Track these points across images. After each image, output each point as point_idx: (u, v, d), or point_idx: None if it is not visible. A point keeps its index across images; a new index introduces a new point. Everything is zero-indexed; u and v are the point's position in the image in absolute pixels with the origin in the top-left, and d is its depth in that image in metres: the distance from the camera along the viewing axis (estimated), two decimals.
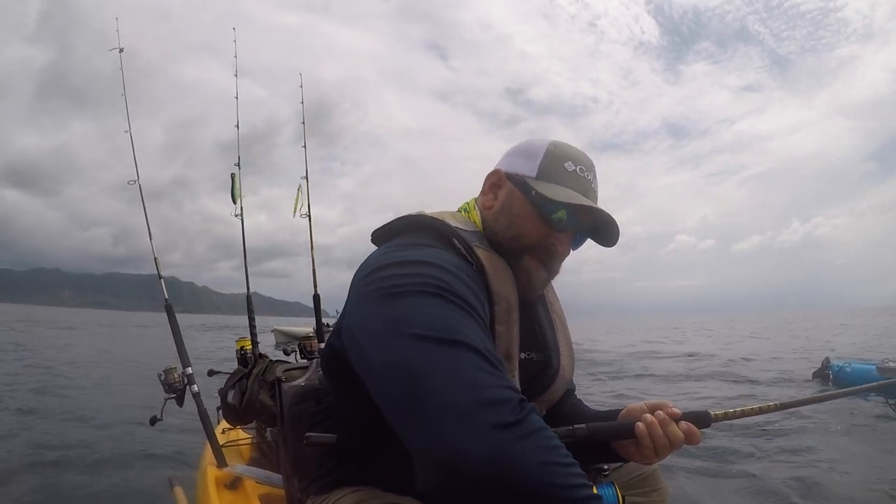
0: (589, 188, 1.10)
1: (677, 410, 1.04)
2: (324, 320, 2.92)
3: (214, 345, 16.93)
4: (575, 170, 1.09)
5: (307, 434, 1.10)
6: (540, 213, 1.07)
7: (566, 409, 1.27)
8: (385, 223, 1.14)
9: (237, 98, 3.39)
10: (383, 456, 1.06)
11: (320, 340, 2.73)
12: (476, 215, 1.16)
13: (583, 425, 1.03)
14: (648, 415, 1.03)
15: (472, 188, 1.24)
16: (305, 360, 2.38)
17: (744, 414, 1.09)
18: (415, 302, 0.85)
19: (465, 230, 1.08)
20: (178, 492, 2.41)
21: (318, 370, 1.72)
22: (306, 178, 3.34)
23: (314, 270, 3.36)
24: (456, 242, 1.04)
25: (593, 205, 1.06)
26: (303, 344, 2.69)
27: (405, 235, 1.08)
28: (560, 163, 1.09)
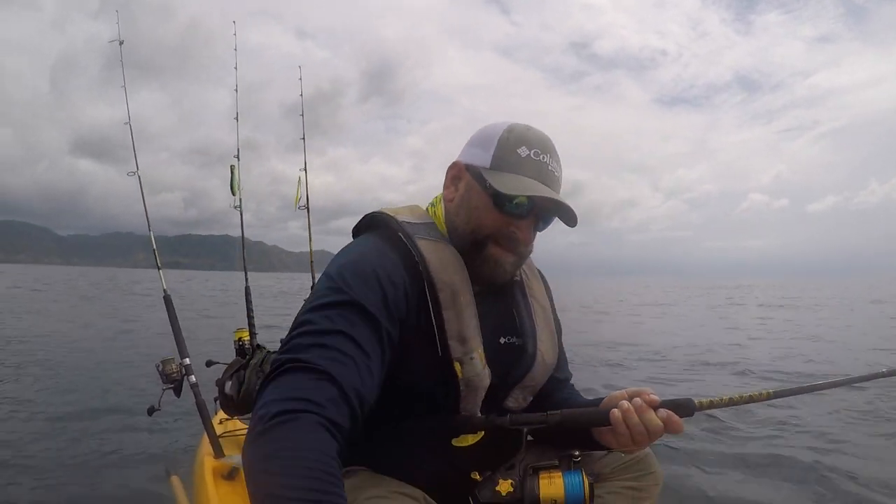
0: (545, 171, 1.11)
1: (656, 397, 1.03)
2: None
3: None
4: (529, 154, 1.10)
5: None
6: (496, 204, 1.10)
7: (557, 399, 1.28)
8: (361, 218, 1.25)
9: (237, 119, 3.39)
10: (381, 442, 1.09)
11: None
12: (440, 208, 1.21)
13: (557, 412, 1.09)
14: (625, 402, 1.03)
15: None
16: None
17: (731, 402, 1.07)
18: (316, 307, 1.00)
19: (415, 223, 1.16)
20: (175, 481, 2.42)
21: None
22: (304, 169, 3.35)
23: (311, 262, 3.37)
24: (401, 236, 1.12)
25: (539, 194, 1.08)
26: None
27: (365, 233, 1.20)
28: (513, 149, 1.11)
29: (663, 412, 1.02)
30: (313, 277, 3.33)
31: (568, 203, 1.09)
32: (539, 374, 1.21)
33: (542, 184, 1.09)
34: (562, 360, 1.34)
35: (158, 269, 2.91)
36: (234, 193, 3.16)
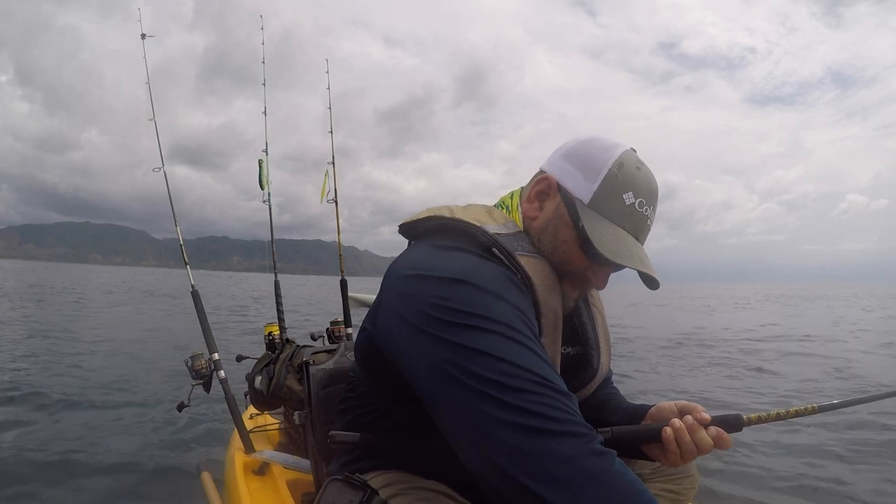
0: (644, 225, 1.00)
1: (707, 415, 0.99)
2: None
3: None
4: (633, 204, 0.98)
5: (331, 433, 1.07)
6: (582, 246, 0.98)
7: (600, 398, 1.24)
8: (415, 217, 1.06)
9: (265, 113, 3.39)
10: (415, 443, 1.03)
11: (347, 325, 2.72)
12: (518, 216, 1.06)
13: (608, 429, 1.00)
14: (677, 420, 0.99)
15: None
16: (334, 345, 2.35)
17: (779, 417, 1.04)
18: (480, 341, 0.78)
19: (506, 234, 0.99)
20: (206, 477, 2.42)
21: (345, 353, 1.70)
22: (332, 163, 3.33)
23: (340, 256, 3.35)
24: (496, 251, 0.95)
25: (637, 268, 0.96)
26: (330, 329, 2.67)
27: (439, 237, 0.99)
28: (619, 193, 0.97)
29: (713, 430, 0.98)
30: (342, 272, 3.31)
31: (658, 278, 0.98)
32: (595, 384, 1.18)
33: (638, 240, 0.99)
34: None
35: (186, 265, 2.91)
36: (262, 188, 3.16)
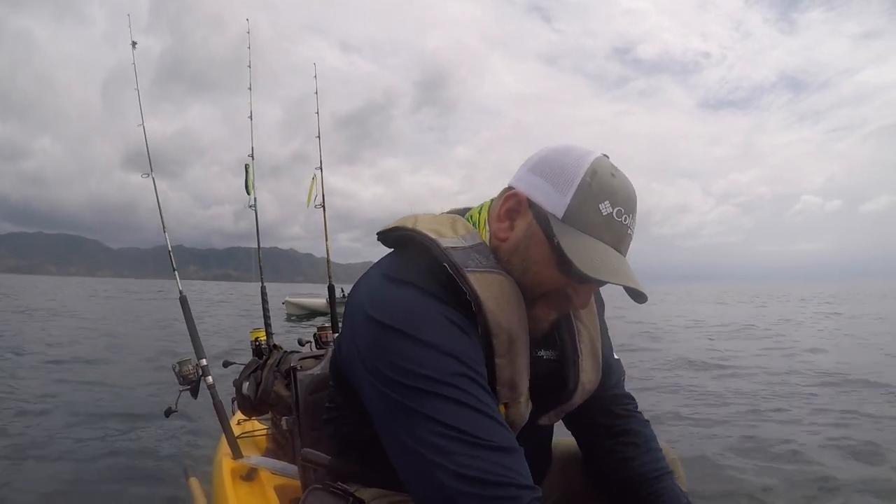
0: (625, 234, 0.93)
1: None
2: None
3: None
4: (612, 213, 0.91)
5: (303, 450, 1.09)
6: (559, 264, 0.91)
7: (610, 425, 1.19)
8: (388, 226, 1.03)
9: (251, 118, 3.39)
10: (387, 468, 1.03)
11: (335, 330, 2.73)
12: (485, 234, 0.99)
13: None
14: None
15: None
16: (321, 350, 2.36)
17: None
18: (418, 402, 0.81)
19: (462, 247, 0.94)
20: (194, 483, 2.42)
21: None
22: (320, 168, 3.35)
23: (328, 261, 3.36)
24: (447, 268, 0.90)
25: (621, 283, 0.90)
26: (317, 335, 2.68)
27: (399, 253, 1.01)
28: (595, 203, 0.90)
29: None
30: (330, 277, 3.32)
31: (644, 291, 0.92)
32: (577, 401, 1.11)
33: (619, 251, 0.93)
34: (611, 374, 1.21)
35: (174, 270, 2.91)
36: (248, 193, 3.17)
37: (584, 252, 0.88)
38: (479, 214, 1.03)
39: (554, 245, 0.90)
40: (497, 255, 0.96)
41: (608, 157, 0.96)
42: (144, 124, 3.09)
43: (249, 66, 3.62)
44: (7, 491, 3.03)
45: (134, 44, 3.15)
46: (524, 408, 0.99)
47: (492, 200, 1.04)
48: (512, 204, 0.96)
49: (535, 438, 1.10)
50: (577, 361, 1.09)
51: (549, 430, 1.19)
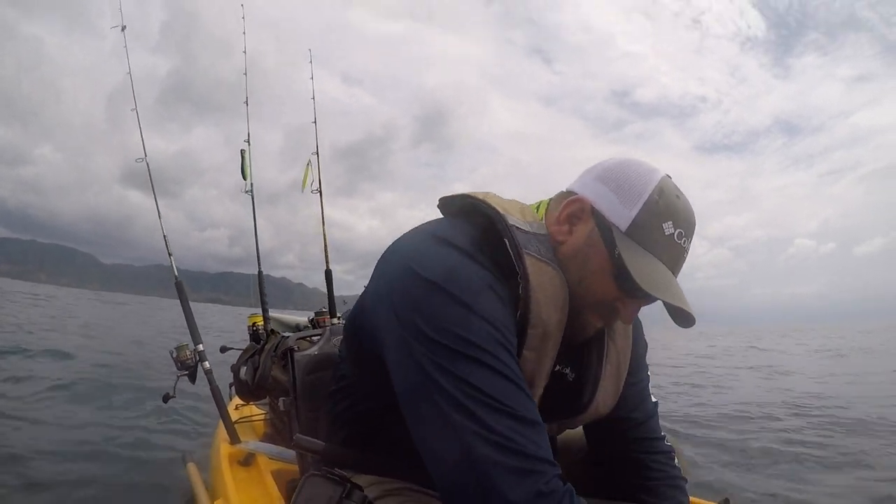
0: (681, 258, 0.93)
1: None
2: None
3: None
4: (673, 234, 0.90)
5: (295, 436, 1.07)
6: (616, 276, 0.90)
7: (653, 474, 1.15)
8: (454, 195, 1.02)
9: (247, 103, 3.35)
10: (402, 438, 1.01)
11: (332, 315, 2.71)
12: (545, 229, 0.97)
13: None
14: None
15: None
16: (319, 330, 2.34)
17: None
18: (466, 369, 0.78)
19: (526, 231, 0.92)
20: (192, 468, 2.41)
21: (331, 339, 1.69)
22: (317, 153, 3.33)
23: (325, 246, 3.34)
24: (507, 244, 0.89)
25: (677, 304, 0.88)
26: (315, 319, 2.66)
27: (460, 219, 0.97)
28: (659, 222, 0.89)
29: None
30: (327, 262, 3.29)
31: (694, 315, 0.91)
32: (585, 419, 1.09)
33: (674, 273, 0.92)
34: (638, 404, 1.18)
35: (170, 255, 2.87)
36: (245, 178, 3.15)
37: (643, 268, 0.88)
38: (537, 212, 1.00)
39: (614, 257, 0.89)
40: (556, 259, 0.93)
41: (671, 178, 0.95)
42: (144, 141, 3.02)
43: (244, 52, 3.59)
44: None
45: (123, 27, 3.10)
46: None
47: (549, 200, 1.01)
48: (574, 209, 0.94)
49: None
50: (597, 380, 1.06)
51: None
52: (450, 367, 0.77)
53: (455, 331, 0.79)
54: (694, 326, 0.92)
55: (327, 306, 2.86)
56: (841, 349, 19.16)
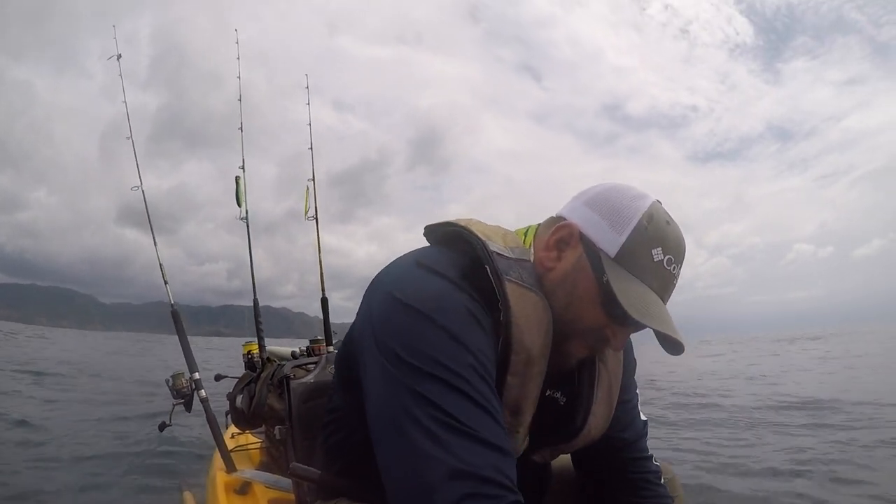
0: (669, 284, 0.92)
1: None
2: None
3: None
4: (662, 261, 0.90)
5: (291, 465, 1.08)
6: (604, 303, 0.90)
7: (618, 479, 1.17)
8: (438, 222, 1.03)
9: (241, 129, 3.38)
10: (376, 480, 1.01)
11: (328, 343, 2.71)
12: (531, 255, 0.97)
13: None
14: None
15: None
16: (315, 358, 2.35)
17: None
18: (434, 391, 0.78)
19: (508, 257, 0.92)
20: (188, 496, 2.40)
21: (326, 367, 1.69)
22: (313, 179, 3.34)
23: (321, 273, 3.35)
24: (488, 269, 0.89)
25: (667, 332, 0.88)
26: (311, 347, 2.66)
27: (443, 248, 0.98)
28: (648, 248, 0.89)
29: None
30: (323, 290, 3.30)
31: (684, 343, 0.90)
32: (578, 444, 1.08)
33: (663, 299, 0.92)
34: (628, 424, 1.18)
35: (165, 283, 2.88)
36: (239, 205, 3.16)
37: (631, 294, 0.87)
38: (525, 237, 1.00)
39: (602, 283, 0.88)
40: (541, 284, 0.93)
41: (661, 203, 0.95)
42: (141, 175, 3.06)
43: (239, 77, 3.62)
44: None
45: (119, 56, 3.14)
46: (521, 439, 0.97)
47: (538, 226, 1.02)
48: (563, 235, 0.94)
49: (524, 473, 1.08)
50: (589, 405, 1.06)
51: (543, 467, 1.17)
52: (419, 389, 0.77)
53: (430, 354, 0.79)
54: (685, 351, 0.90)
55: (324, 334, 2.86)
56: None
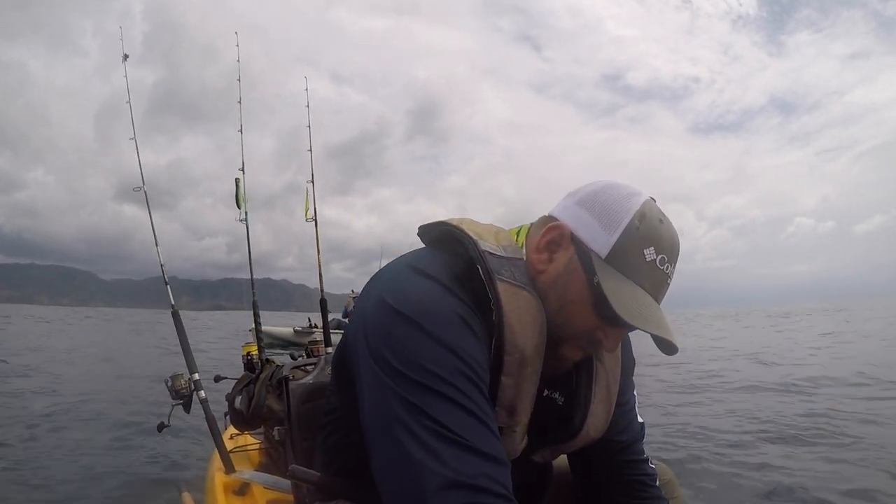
0: (664, 284, 0.91)
1: None
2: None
3: None
4: (655, 260, 0.89)
5: (291, 467, 1.08)
6: (595, 304, 0.88)
7: (614, 481, 1.16)
8: (431, 223, 1.02)
9: (241, 132, 3.40)
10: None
11: (327, 344, 2.72)
12: (522, 254, 0.97)
13: None
14: None
15: (577, 181, 0.96)
16: (314, 359, 2.36)
17: None
18: (425, 400, 0.77)
19: (500, 256, 0.91)
20: (187, 497, 2.40)
21: (325, 367, 1.70)
22: (312, 182, 3.35)
23: (321, 275, 3.36)
24: (479, 270, 0.88)
25: (660, 334, 0.87)
26: (309, 348, 2.68)
27: (436, 248, 0.97)
28: (640, 248, 0.88)
29: None
30: (321, 291, 3.31)
31: (677, 343, 0.89)
32: (578, 444, 1.08)
33: (656, 300, 0.91)
34: (625, 427, 1.17)
35: (166, 284, 2.90)
36: (239, 207, 3.18)
37: (622, 296, 0.86)
38: (517, 237, 0.99)
39: (593, 285, 0.87)
40: (534, 286, 0.92)
41: (655, 201, 0.94)
42: (138, 144, 3.08)
43: (239, 80, 3.64)
44: None
45: (125, 56, 3.16)
46: (518, 439, 0.96)
47: (530, 225, 1.01)
48: (554, 236, 0.93)
49: (524, 473, 1.05)
50: (587, 404, 1.05)
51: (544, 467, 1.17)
52: (411, 397, 0.77)
53: (420, 362, 0.78)
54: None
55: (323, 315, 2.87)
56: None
